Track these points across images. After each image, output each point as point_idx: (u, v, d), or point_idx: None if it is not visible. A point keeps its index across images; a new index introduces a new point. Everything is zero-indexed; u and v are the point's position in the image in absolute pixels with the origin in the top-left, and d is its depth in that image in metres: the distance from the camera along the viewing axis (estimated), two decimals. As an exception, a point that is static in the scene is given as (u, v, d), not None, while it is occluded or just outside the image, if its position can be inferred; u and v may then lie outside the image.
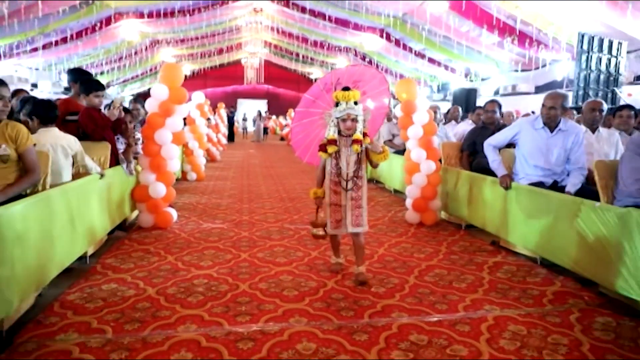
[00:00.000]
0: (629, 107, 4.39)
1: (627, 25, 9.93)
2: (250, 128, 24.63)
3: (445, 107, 11.29)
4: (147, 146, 4.20)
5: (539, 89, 14.79)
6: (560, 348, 2.21)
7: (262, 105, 28.11)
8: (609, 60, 10.99)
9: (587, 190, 3.36)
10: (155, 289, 2.86)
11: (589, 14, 10.08)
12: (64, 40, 14.36)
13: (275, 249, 3.75)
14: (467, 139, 4.85)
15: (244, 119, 25.06)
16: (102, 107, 4.11)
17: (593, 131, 3.91)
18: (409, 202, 4.71)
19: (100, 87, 4.04)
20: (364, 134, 2.91)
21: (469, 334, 2.32)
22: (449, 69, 16.89)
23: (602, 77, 10.95)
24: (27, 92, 4.75)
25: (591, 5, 9.64)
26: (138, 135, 4.62)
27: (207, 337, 2.24)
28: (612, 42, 10.92)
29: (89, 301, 2.66)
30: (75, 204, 2.96)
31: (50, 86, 16.57)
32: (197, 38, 18.24)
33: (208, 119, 10.17)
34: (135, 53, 18.24)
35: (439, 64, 16.67)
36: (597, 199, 3.08)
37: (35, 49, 14.45)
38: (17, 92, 4.48)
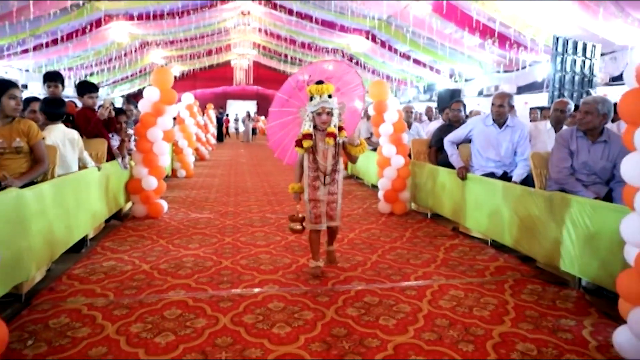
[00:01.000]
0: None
1: (599, 27, 10.53)
2: (242, 129, 25.06)
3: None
4: (140, 143, 4.65)
5: (520, 90, 15.40)
6: (489, 306, 2.70)
7: (251, 106, 28.53)
8: (584, 62, 11.57)
9: (532, 179, 3.86)
10: (149, 265, 3.32)
11: (564, 16, 10.67)
12: (55, 42, 14.68)
13: (256, 234, 4.22)
14: (434, 136, 5.35)
15: (236, 120, 25.47)
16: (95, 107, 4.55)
17: (557, 130, 4.40)
18: (380, 194, 5.20)
19: (94, 88, 4.50)
20: (340, 128, 2.94)
21: (415, 297, 2.81)
22: (434, 70, 17.44)
23: (576, 78, 11.53)
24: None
25: (565, 8, 10.23)
26: (131, 131, 5.05)
27: (193, 299, 2.71)
28: (586, 45, 11.50)
29: (92, 274, 3.11)
30: (80, 191, 3.42)
31: (40, 87, 16.86)
32: (186, 40, 18.64)
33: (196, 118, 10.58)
34: (125, 55, 18.60)
35: (424, 65, 17.21)
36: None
37: (26, 51, 14.75)
38: None
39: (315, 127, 2.95)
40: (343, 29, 16.20)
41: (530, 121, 6.81)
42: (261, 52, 24.24)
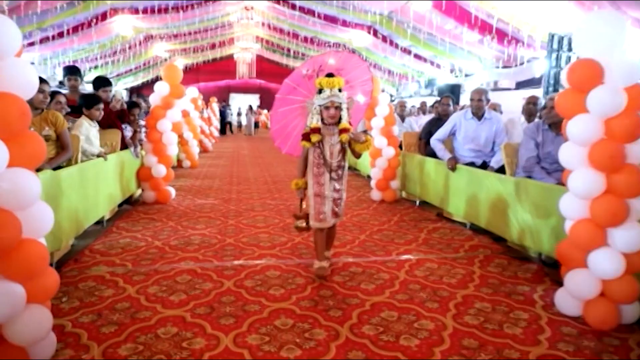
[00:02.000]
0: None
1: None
2: (245, 122, 25.48)
3: (431, 102, 12.23)
4: (150, 134, 5.10)
5: (519, 85, 15.75)
6: (457, 275, 3.14)
7: (254, 99, 28.93)
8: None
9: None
10: (160, 242, 3.77)
11: (559, 14, 11.01)
12: (60, 35, 15.05)
13: (257, 218, 4.67)
14: (424, 129, 5.77)
15: (239, 114, 25.91)
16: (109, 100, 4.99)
17: (529, 122, 4.81)
18: (373, 183, 5.64)
19: (107, 83, 4.96)
20: (349, 124, 2.87)
21: (394, 268, 3.25)
22: (434, 65, 17.78)
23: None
24: None
25: (560, 5, 10.56)
26: (142, 123, 5.50)
27: (201, 268, 3.16)
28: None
29: (111, 249, 3.57)
30: (99, 176, 3.87)
31: (45, 78, 17.27)
32: (189, 33, 19.04)
33: (202, 111, 11.03)
34: (129, 48, 19.02)
35: (425, 60, 17.55)
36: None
37: (32, 44, 15.14)
38: None
39: (322, 121, 2.88)
40: (345, 23, 16.55)
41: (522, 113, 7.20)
42: (264, 46, 24.61)
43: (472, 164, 4.50)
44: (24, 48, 15.02)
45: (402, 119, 6.91)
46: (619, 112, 2.29)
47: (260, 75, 27.66)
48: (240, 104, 28.22)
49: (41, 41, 15.07)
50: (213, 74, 27.66)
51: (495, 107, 7.91)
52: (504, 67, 15.89)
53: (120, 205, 4.83)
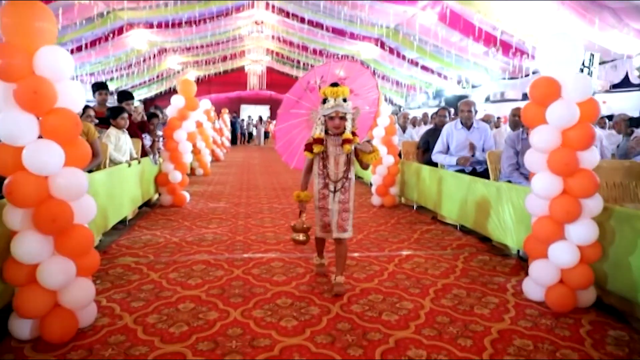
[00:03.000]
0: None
1: (596, 37, 11.24)
2: (255, 133, 26.10)
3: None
4: (168, 143, 5.61)
5: (525, 96, 16.07)
6: (441, 268, 3.56)
7: (265, 110, 29.60)
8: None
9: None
10: (177, 238, 4.24)
11: (561, 26, 11.40)
12: (79, 49, 15.77)
13: (264, 219, 5.13)
14: (422, 139, 6.21)
15: (248, 124, 26.56)
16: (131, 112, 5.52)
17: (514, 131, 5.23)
18: (373, 189, 6.08)
19: (130, 97, 5.48)
20: (353, 133, 2.82)
21: (384, 262, 3.67)
22: (442, 76, 18.22)
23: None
24: None
25: (562, 18, 10.95)
26: (160, 133, 6.02)
27: (214, 260, 3.62)
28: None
29: (134, 244, 4.05)
30: (124, 180, 4.36)
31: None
32: (202, 46, 19.73)
33: (214, 122, 11.57)
34: (144, 60, 19.76)
35: (432, 71, 18.00)
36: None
37: (52, 58, 15.86)
38: None
39: (326, 131, 2.85)
40: (353, 36, 17.10)
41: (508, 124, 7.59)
42: (274, 58, 25.26)
43: (462, 171, 4.92)
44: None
45: (404, 129, 7.35)
46: (574, 123, 2.71)
47: (271, 87, 28.31)
48: (251, 115, 28.90)
49: (60, 55, 15.82)
50: (224, 85, 28.38)
51: (490, 119, 8.35)
52: (511, 78, 16.29)
53: (140, 207, 5.32)
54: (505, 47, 13.84)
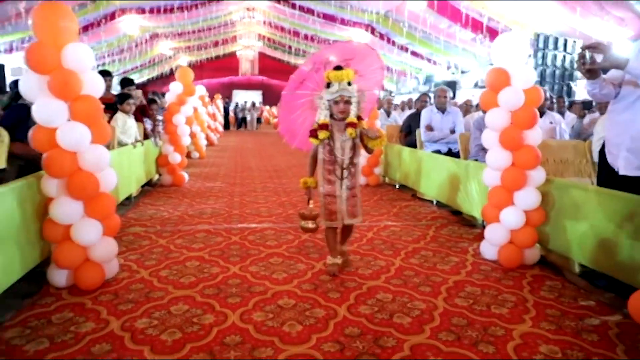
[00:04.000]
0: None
1: (578, 24, 11.72)
2: (249, 118, 26.46)
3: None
4: (167, 126, 6.08)
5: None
6: (413, 236, 4.09)
7: (257, 96, 29.94)
8: (564, 57, 12.82)
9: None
10: (179, 212, 4.75)
11: (544, 14, 11.88)
12: (72, 34, 15.97)
13: (258, 197, 5.64)
14: (404, 123, 6.72)
15: (242, 109, 26.92)
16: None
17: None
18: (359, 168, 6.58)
19: (131, 83, 5.93)
20: (359, 118, 2.81)
21: (364, 230, 4.20)
22: (431, 62, 18.66)
23: (557, 72, 12.79)
24: None
25: (545, 5, 11.40)
26: (160, 117, 6.47)
27: (214, 229, 4.13)
28: (566, 41, 12.74)
29: (141, 217, 4.55)
30: (130, 159, 4.84)
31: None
32: (193, 32, 20.01)
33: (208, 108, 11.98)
34: (136, 46, 20.00)
35: (422, 57, 18.43)
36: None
37: (45, 43, 16.08)
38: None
39: (331, 116, 2.83)
40: (344, 22, 17.47)
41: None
42: (266, 44, 25.58)
43: (438, 152, 5.44)
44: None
45: (388, 114, 7.85)
46: (520, 107, 3.22)
47: (263, 72, 28.67)
48: (244, 99, 29.22)
49: (53, 40, 16.04)
50: (216, 70, 28.64)
51: (470, 104, 8.87)
52: (498, 64, 16.77)
53: (142, 186, 5.80)
54: (493, 33, 14.27)
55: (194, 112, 9.96)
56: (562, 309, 2.65)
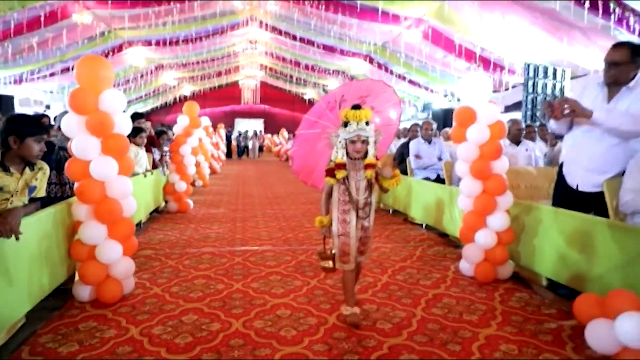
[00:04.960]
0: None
1: (566, 54, 12.32)
2: (250, 146, 27.12)
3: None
4: (174, 157, 6.58)
5: (507, 109, 17.22)
6: (401, 255, 4.51)
7: (259, 124, 30.67)
8: (554, 85, 13.40)
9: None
10: (186, 236, 5.19)
11: (533, 44, 12.51)
12: (80, 67, 16.67)
13: (259, 222, 6.09)
14: (397, 151, 7.19)
15: (244, 137, 27.62)
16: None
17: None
18: (354, 195, 7.03)
19: (142, 116, 6.44)
20: (375, 158, 2.79)
21: (357, 251, 4.61)
22: (429, 90, 19.32)
23: (547, 99, 13.35)
24: (48, 117, 7.09)
25: (534, 36, 12.02)
26: (166, 148, 6.98)
27: (218, 251, 4.56)
28: (556, 70, 13.35)
29: (150, 241, 4.99)
30: (140, 188, 5.30)
31: (62, 107, 18.98)
32: (197, 62, 20.79)
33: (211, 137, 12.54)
34: (141, 76, 20.78)
35: (419, 85, 19.10)
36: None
37: (53, 74, 16.82)
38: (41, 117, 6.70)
39: (347, 154, 2.80)
40: (343, 52, 18.22)
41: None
42: (268, 73, 26.38)
43: (427, 178, 5.91)
44: (45, 78, 16.66)
45: (383, 142, 8.33)
46: (486, 141, 3.68)
47: (264, 101, 29.40)
48: (246, 128, 29.92)
49: (62, 71, 16.76)
50: (219, 99, 29.43)
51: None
52: (494, 91, 17.43)
53: (150, 213, 6.26)
54: (486, 62, 14.96)
55: (198, 142, 10.55)
56: (526, 316, 3.06)
